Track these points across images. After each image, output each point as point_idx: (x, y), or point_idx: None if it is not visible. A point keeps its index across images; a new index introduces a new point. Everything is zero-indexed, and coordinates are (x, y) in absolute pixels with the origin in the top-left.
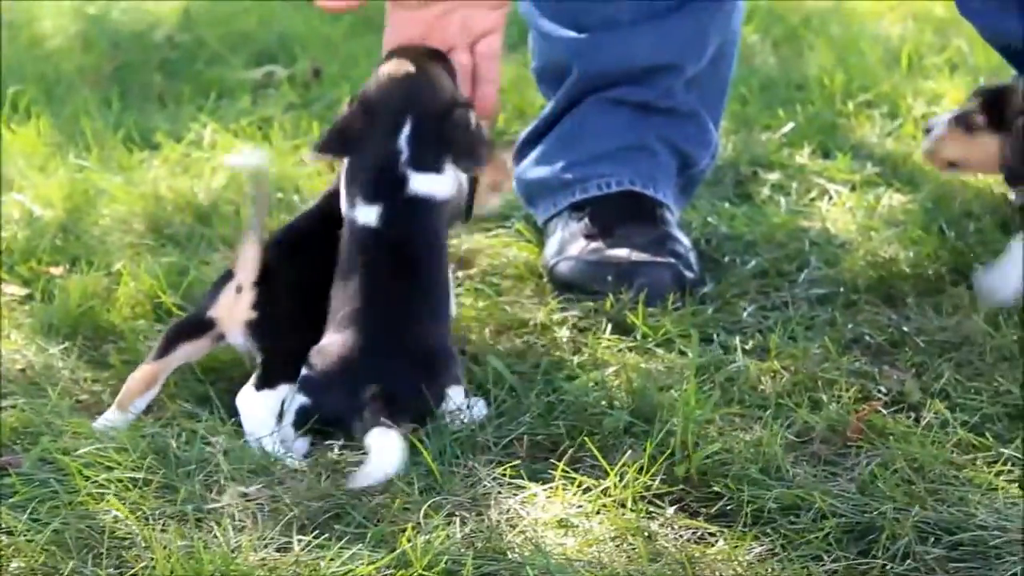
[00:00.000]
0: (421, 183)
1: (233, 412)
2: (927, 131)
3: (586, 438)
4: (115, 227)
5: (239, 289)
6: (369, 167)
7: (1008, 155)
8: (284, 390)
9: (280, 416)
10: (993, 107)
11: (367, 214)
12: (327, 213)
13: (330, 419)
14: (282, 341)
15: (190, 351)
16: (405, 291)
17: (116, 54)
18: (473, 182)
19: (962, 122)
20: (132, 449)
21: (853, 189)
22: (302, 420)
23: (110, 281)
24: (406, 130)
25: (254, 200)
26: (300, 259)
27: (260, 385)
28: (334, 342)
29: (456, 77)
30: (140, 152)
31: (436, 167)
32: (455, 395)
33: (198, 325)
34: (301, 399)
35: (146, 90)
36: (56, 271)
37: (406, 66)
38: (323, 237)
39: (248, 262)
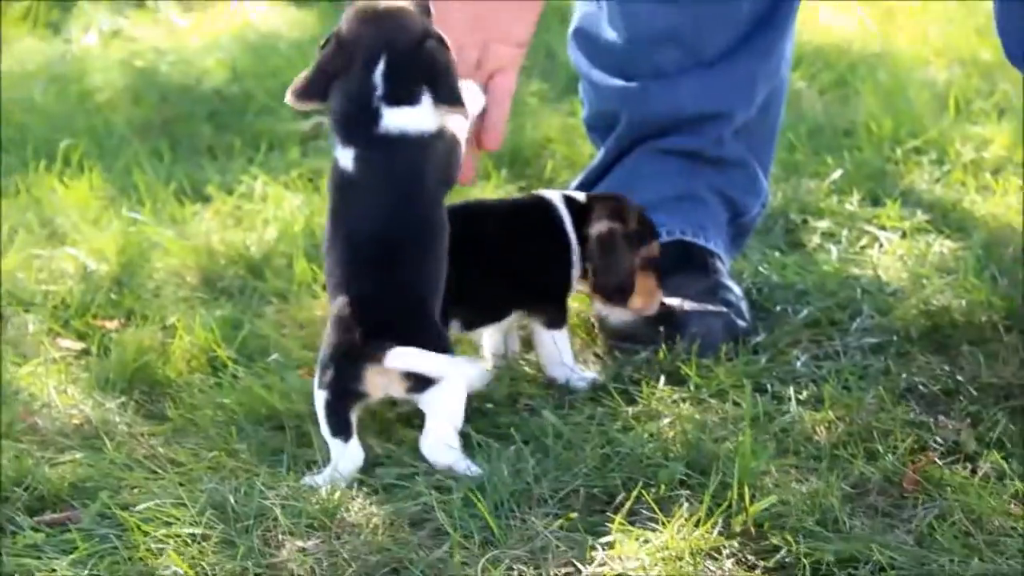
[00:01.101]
0: (395, 118)
1: (291, 465)
2: None
3: (642, 490)
4: (168, 280)
5: None
6: (344, 107)
7: None
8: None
9: None
10: None
11: (344, 157)
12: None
13: (347, 383)
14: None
15: None
16: (383, 238)
17: (165, 107)
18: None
19: None
20: (190, 504)
21: (904, 236)
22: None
23: (165, 335)
24: (380, 65)
25: None
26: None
27: None
28: (334, 307)
29: (430, 9)
30: (192, 204)
31: (410, 100)
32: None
33: None
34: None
35: (196, 142)
36: (111, 325)
37: (369, 8)
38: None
39: None
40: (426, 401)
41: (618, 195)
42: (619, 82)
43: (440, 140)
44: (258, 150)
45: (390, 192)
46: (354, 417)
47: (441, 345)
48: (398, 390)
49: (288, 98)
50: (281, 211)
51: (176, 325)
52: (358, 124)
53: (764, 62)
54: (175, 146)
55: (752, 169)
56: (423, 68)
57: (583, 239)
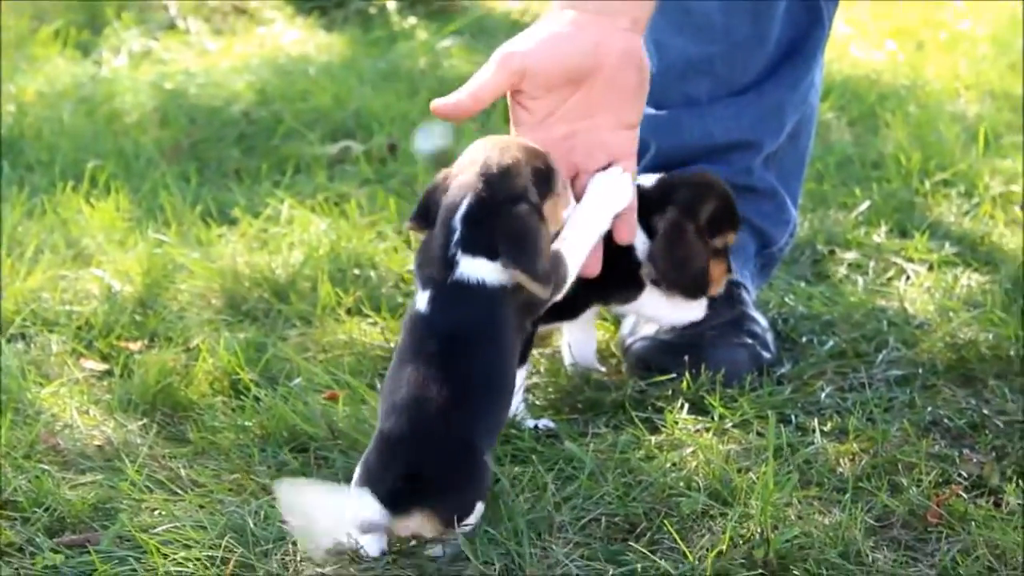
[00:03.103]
0: (470, 267)
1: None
2: None
3: (664, 520)
4: (193, 303)
5: None
6: (427, 247)
7: None
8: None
9: None
10: None
11: (421, 300)
12: None
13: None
14: None
15: None
16: (444, 381)
17: (193, 129)
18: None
19: None
20: (210, 527)
21: (931, 269)
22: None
23: (188, 357)
24: (462, 208)
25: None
26: None
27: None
28: (378, 433)
29: (551, 179)
30: (218, 227)
31: (488, 254)
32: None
33: None
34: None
35: (223, 165)
36: (134, 347)
37: (487, 147)
38: None
39: None
40: None
41: (699, 176)
42: (650, 110)
43: (519, 292)
44: (285, 173)
45: (458, 339)
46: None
47: (480, 490)
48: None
49: (406, 224)
50: (307, 235)
51: (200, 347)
52: (435, 266)
53: (793, 91)
54: (202, 168)
55: (781, 199)
56: (504, 228)
57: (649, 228)
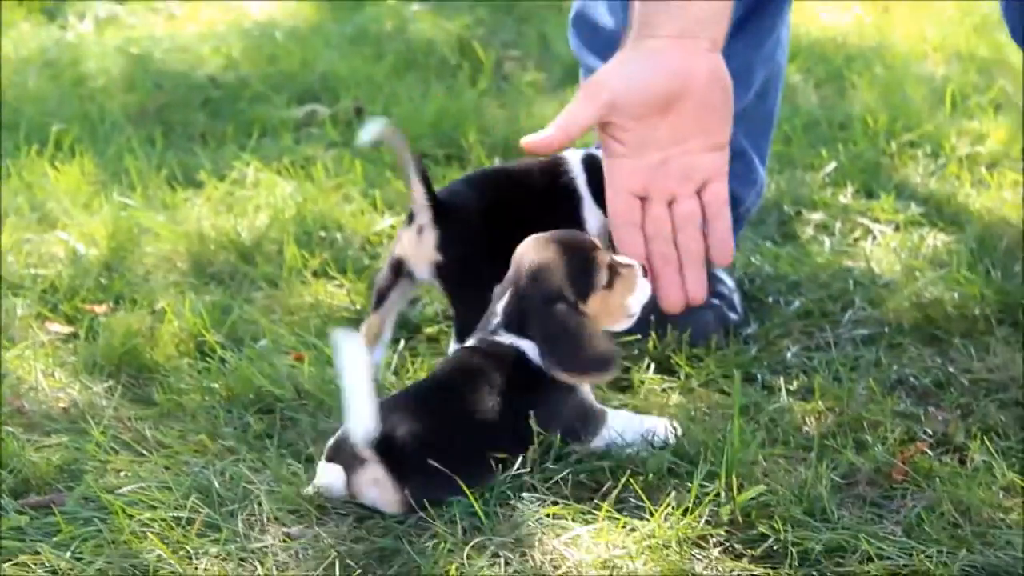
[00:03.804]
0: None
1: (278, 450)
2: None
3: (630, 479)
4: (159, 265)
5: (420, 230)
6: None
7: None
8: None
9: None
10: None
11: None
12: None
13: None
14: (472, 290)
15: (395, 297)
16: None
17: (159, 94)
18: None
19: None
20: (175, 487)
21: (897, 229)
22: None
23: (154, 319)
24: (505, 299)
25: (399, 152)
26: (492, 204)
27: (458, 340)
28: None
29: (592, 274)
30: (183, 191)
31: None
32: None
33: (392, 267)
34: None
35: (189, 129)
36: (100, 309)
37: (532, 244)
38: (520, 186)
39: (419, 199)
40: None
41: None
42: None
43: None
44: (251, 137)
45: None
46: None
47: None
48: None
49: None
50: (273, 197)
51: (165, 309)
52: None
53: (759, 48)
54: (168, 132)
55: (748, 158)
56: (541, 327)
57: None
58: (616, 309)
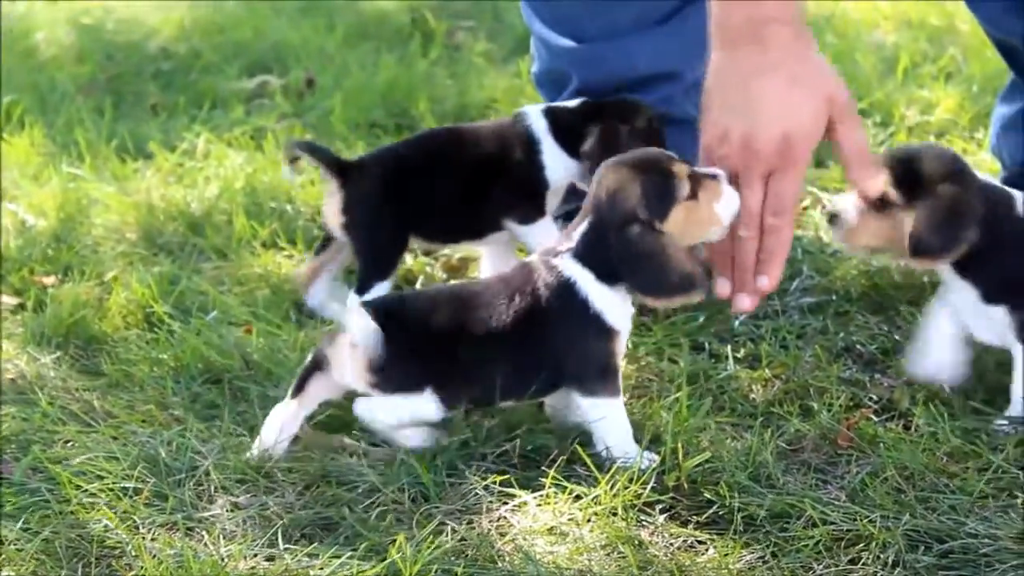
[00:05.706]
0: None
1: (225, 418)
2: (832, 218)
3: (577, 446)
4: (108, 236)
5: (331, 195)
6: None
7: (919, 225)
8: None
9: None
10: (904, 179)
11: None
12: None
13: None
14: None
15: (330, 252)
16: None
17: (110, 64)
18: None
19: (874, 204)
20: (123, 458)
21: None
22: None
23: (102, 290)
24: (583, 226)
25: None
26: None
27: (359, 291)
28: None
29: (669, 189)
30: (133, 162)
31: (608, 279)
32: None
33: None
34: None
35: (140, 100)
36: (48, 281)
37: (608, 168)
38: (460, 142)
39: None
40: None
41: (629, 99)
42: (570, 43)
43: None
44: (202, 108)
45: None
46: None
47: None
48: None
49: None
50: (223, 168)
51: (114, 280)
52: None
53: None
54: (119, 104)
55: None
56: (619, 252)
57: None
58: (704, 220)
